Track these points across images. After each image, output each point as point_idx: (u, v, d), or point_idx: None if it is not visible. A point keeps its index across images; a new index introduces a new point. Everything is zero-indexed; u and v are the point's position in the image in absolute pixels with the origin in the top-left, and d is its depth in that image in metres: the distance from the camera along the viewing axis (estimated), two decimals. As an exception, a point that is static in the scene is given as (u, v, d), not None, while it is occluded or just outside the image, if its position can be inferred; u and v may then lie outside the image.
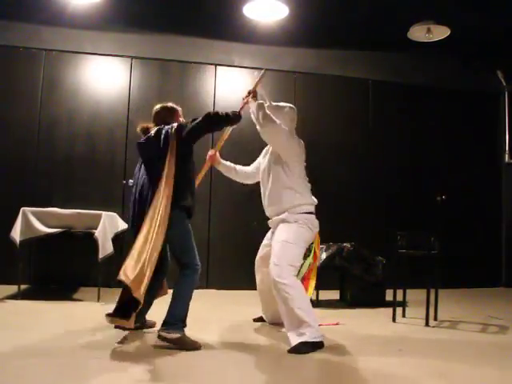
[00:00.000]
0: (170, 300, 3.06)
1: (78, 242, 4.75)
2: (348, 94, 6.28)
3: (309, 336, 3.00)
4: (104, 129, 5.59)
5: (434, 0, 5.09)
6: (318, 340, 3.04)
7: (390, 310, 4.05)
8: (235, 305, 4.76)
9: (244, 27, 5.64)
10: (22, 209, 4.45)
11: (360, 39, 6.12)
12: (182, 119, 3.39)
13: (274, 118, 3.29)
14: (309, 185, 3.50)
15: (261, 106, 3.29)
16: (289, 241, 3.22)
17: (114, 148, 5.60)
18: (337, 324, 3.81)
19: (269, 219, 3.54)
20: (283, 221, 3.33)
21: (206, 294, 5.28)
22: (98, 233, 4.42)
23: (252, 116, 3.36)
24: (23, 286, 4.68)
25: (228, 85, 5.92)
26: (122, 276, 2.84)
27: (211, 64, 5.91)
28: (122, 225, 5.11)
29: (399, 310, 4.08)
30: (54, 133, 5.52)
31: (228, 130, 3.68)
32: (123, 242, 5.08)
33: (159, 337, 2.97)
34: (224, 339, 3.28)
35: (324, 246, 4.79)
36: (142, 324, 3.36)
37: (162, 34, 5.82)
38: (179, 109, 3.43)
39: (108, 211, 4.79)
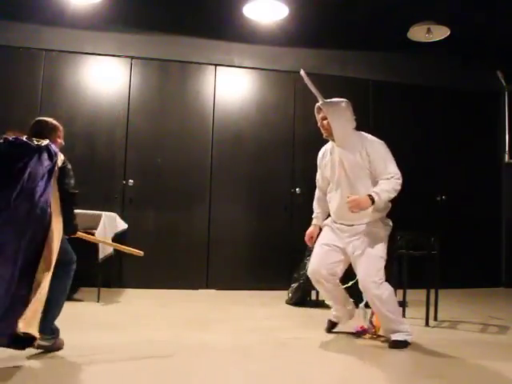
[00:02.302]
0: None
1: (78, 242, 4.74)
2: (348, 93, 6.23)
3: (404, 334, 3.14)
4: (104, 129, 5.58)
5: (433, 0, 5.09)
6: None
7: (390, 310, 4.05)
8: (235, 305, 4.75)
9: (244, 27, 5.64)
10: (22, 209, 4.44)
11: (360, 39, 6.11)
12: (60, 141, 3.19)
13: (384, 195, 3.41)
14: None
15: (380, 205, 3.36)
16: (383, 256, 3.24)
17: (114, 148, 5.59)
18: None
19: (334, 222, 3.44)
20: (372, 229, 3.30)
21: (205, 295, 5.29)
22: (97, 233, 4.41)
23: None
24: (23, 286, 4.67)
25: (228, 85, 5.92)
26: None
27: (211, 64, 5.91)
28: (122, 225, 5.11)
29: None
30: (53, 133, 5.51)
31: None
32: (123, 242, 5.08)
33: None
34: (224, 339, 3.28)
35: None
36: None
37: (162, 34, 5.82)
38: (61, 128, 3.20)
39: (108, 211, 4.78)
